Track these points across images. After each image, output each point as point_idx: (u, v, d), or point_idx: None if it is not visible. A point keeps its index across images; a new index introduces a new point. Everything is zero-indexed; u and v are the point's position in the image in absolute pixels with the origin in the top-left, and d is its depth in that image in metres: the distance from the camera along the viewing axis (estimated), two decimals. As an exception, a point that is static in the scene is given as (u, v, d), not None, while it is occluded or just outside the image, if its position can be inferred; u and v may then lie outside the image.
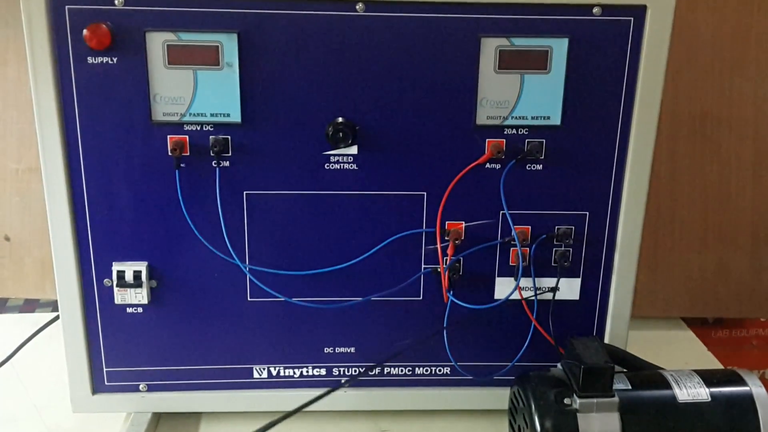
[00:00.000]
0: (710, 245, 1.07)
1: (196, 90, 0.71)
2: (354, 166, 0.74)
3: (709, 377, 0.72)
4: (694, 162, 1.05)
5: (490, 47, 0.71)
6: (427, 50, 0.71)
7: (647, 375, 0.74)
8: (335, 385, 0.72)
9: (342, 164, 0.74)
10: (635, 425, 0.68)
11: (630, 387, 0.71)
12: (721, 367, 0.96)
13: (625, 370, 0.76)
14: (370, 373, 0.81)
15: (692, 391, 0.71)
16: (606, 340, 0.81)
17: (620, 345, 0.80)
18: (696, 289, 1.09)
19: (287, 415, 0.66)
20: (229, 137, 0.72)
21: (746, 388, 0.71)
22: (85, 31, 0.68)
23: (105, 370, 0.80)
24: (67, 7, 0.68)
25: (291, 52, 0.70)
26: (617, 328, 0.80)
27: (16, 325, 1.04)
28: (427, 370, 0.82)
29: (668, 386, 0.71)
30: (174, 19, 0.69)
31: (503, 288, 0.79)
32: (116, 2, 0.68)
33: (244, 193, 0.74)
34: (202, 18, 0.69)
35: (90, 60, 0.69)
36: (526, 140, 0.74)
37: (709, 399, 0.70)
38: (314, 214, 0.75)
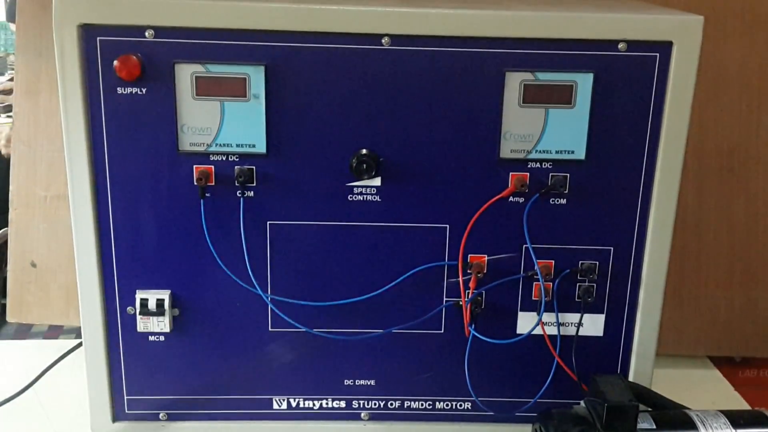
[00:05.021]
0: (737, 282, 1.06)
1: (223, 121, 0.72)
2: (377, 198, 0.74)
3: (735, 418, 0.71)
4: (721, 198, 1.04)
5: (514, 81, 0.71)
6: (451, 84, 0.71)
7: (672, 415, 0.73)
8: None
9: (365, 195, 0.74)
10: (660, 466, 0.67)
11: (654, 427, 0.70)
12: (748, 407, 0.94)
13: (649, 409, 0.75)
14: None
15: (719, 432, 0.69)
16: (630, 378, 0.80)
17: (645, 383, 0.79)
18: (723, 328, 1.07)
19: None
20: (254, 168, 0.73)
21: (774, 431, 0.70)
22: (115, 62, 0.69)
23: (126, 397, 0.80)
24: (98, 38, 0.69)
25: (317, 85, 0.71)
26: (642, 365, 0.79)
27: (39, 351, 1.04)
28: (447, 405, 0.81)
29: (694, 427, 0.70)
30: (203, 51, 0.70)
31: (526, 323, 0.78)
32: (147, 34, 0.69)
33: (268, 223, 0.75)
34: (230, 51, 0.70)
35: (120, 90, 0.70)
36: (550, 174, 0.74)
37: (736, 441, 0.69)
38: (337, 245, 0.76)
